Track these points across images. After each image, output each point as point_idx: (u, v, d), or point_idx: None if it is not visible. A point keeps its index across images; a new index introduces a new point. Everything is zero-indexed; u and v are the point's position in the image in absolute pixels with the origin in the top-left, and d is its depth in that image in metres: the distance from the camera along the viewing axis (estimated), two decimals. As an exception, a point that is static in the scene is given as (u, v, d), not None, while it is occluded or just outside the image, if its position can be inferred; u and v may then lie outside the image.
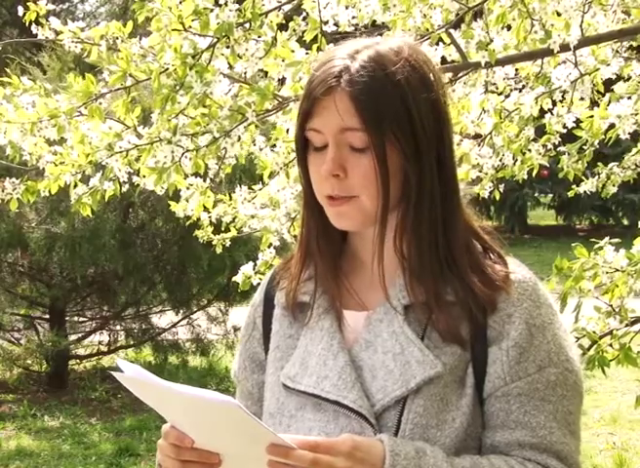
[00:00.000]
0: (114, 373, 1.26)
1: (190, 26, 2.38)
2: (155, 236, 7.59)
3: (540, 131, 3.07)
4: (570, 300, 2.51)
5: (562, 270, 2.54)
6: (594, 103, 3.03)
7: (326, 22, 2.51)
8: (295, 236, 2.93)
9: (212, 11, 2.37)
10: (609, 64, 2.82)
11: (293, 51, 2.52)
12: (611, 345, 2.58)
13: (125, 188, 2.70)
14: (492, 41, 2.53)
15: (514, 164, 3.13)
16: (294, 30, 2.56)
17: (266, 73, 2.58)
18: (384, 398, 1.32)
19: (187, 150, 2.52)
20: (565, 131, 3.05)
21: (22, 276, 7.83)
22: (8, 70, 2.73)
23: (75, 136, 2.59)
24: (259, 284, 1.99)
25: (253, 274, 3.00)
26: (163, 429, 1.31)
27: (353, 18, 2.53)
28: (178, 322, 8.25)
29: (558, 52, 2.58)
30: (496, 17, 2.60)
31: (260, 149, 2.78)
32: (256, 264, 3.04)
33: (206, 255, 7.13)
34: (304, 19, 2.56)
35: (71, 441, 6.49)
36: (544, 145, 3.11)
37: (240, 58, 2.43)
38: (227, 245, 3.31)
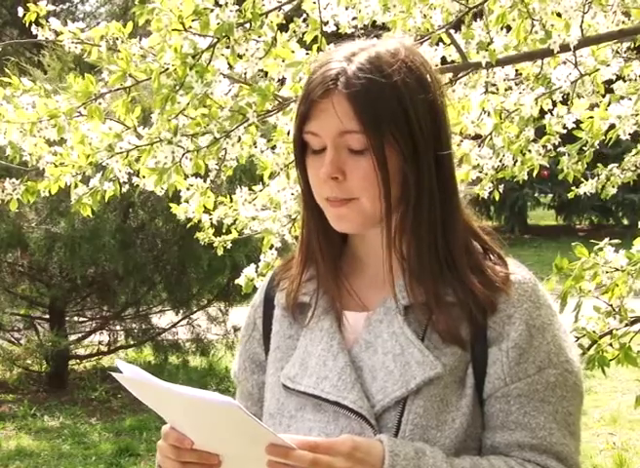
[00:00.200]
0: (114, 374, 1.27)
1: (190, 26, 2.38)
2: (155, 236, 7.59)
3: (540, 131, 3.07)
4: (570, 300, 2.51)
5: (562, 270, 2.54)
6: (594, 104, 3.03)
7: (326, 23, 2.51)
8: (295, 237, 2.93)
9: (212, 11, 2.37)
10: (609, 65, 2.82)
11: (293, 51, 2.52)
12: (611, 345, 2.58)
13: (125, 189, 2.70)
14: (492, 41, 2.53)
15: (514, 164, 3.13)
16: (294, 32, 2.56)
17: (266, 73, 2.58)
18: (384, 399, 1.32)
19: (188, 151, 2.52)
20: (565, 131, 3.06)
21: (22, 276, 7.83)
22: (7, 70, 2.72)
23: (75, 136, 2.59)
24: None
25: (255, 276, 3.00)
26: (162, 430, 1.31)
27: (354, 19, 2.53)
28: (178, 322, 8.25)
29: (558, 52, 2.58)
30: (496, 17, 2.60)
31: (262, 151, 2.78)
32: (257, 266, 3.03)
33: (206, 256, 7.13)
34: (305, 20, 2.56)
35: (71, 441, 6.49)
36: (544, 146, 3.11)
37: (240, 58, 2.42)
38: (228, 247, 3.31)
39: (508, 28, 2.73)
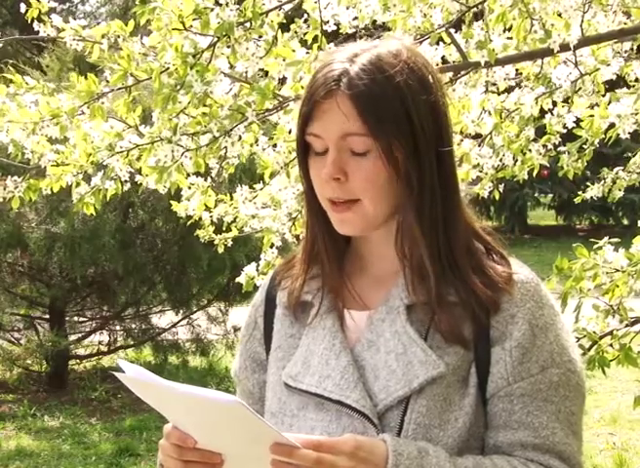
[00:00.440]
0: (116, 374, 1.26)
1: (191, 26, 2.38)
2: (155, 236, 7.59)
3: (541, 131, 3.07)
4: (570, 301, 2.51)
5: (562, 270, 2.54)
6: (594, 104, 3.03)
7: (326, 22, 2.51)
8: (296, 236, 2.93)
9: (212, 10, 2.37)
10: (609, 64, 2.82)
11: (293, 50, 2.52)
12: (611, 345, 2.58)
13: (127, 187, 2.71)
14: (491, 41, 2.53)
15: (514, 164, 3.13)
16: (295, 32, 2.56)
17: (267, 73, 2.58)
18: (387, 398, 1.32)
19: (188, 149, 2.53)
20: (565, 131, 3.06)
21: (22, 276, 7.83)
22: (8, 69, 2.72)
23: (77, 134, 2.59)
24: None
25: (256, 275, 3.00)
26: (165, 429, 1.31)
27: (354, 18, 2.53)
28: (178, 322, 8.25)
29: (558, 51, 2.58)
30: (496, 16, 2.60)
31: (263, 149, 2.78)
32: (258, 265, 3.04)
33: (206, 256, 7.13)
34: (306, 21, 2.56)
35: (71, 441, 6.48)
36: (545, 145, 3.11)
37: (241, 57, 2.42)
38: (229, 245, 3.31)
39: (510, 28, 2.73)
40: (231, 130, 2.54)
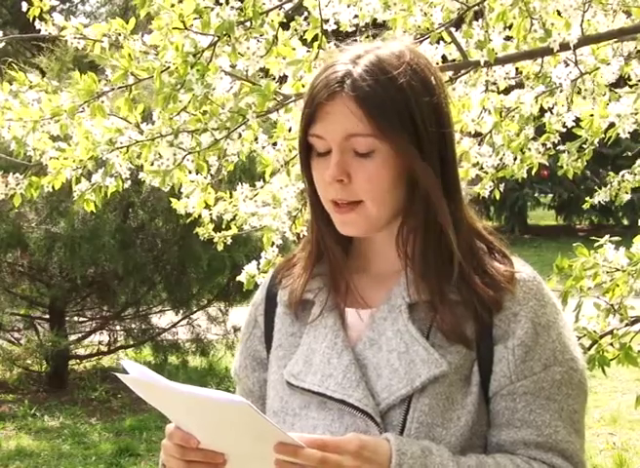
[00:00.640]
0: (119, 375, 1.26)
1: (192, 25, 2.38)
2: (155, 236, 7.59)
3: (540, 130, 3.07)
4: (570, 300, 2.52)
5: (563, 270, 2.55)
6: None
7: (327, 21, 2.51)
8: (297, 234, 2.93)
9: (212, 9, 2.37)
10: (609, 64, 2.82)
11: (294, 49, 2.52)
12: (611, 345, 2.58)
13: (127, 184, 2.71)
14: (491, 40, 2.53)
15: (514, 163, 3.13)
16: (295, 30, 2.57)
17: (267, 72, 2.58)
18: (390, 396, 1.32)
19: (189, 152, 2.53)
20: (565, 130, 3.06)
21: (22, 276, 7.82)
22: (10, 67, 2.72)
23: (79, 131, 2.60)
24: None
25: (257, 273, 3.00)
26: (167, 429, 1.31)
27: (355, 17, 2.53)
28: (177, 322, 8.25)
29: (558, 51, 2.58)
30: (496, 15, 2.60)
31: (263, 147, 2.79)
32: (259, 263, 3.04)
33: (206, 256, 7.13)
34: (306, 19, 2.57)
35: (71, 441, 6.48)
36: (544, 144, 3.11)
37: (241, 56, 2.43)
38: (228, 243, 3.31)
39: (510, 26, 2.73)
40: (232, 131, 2.54)
